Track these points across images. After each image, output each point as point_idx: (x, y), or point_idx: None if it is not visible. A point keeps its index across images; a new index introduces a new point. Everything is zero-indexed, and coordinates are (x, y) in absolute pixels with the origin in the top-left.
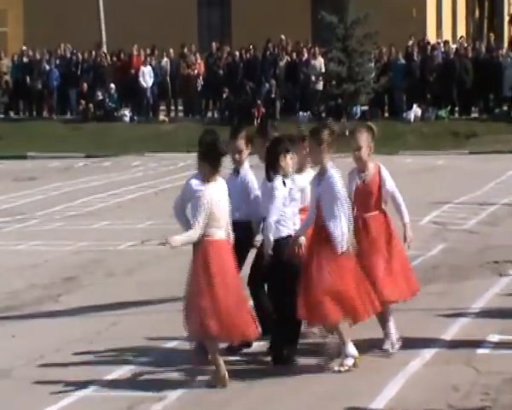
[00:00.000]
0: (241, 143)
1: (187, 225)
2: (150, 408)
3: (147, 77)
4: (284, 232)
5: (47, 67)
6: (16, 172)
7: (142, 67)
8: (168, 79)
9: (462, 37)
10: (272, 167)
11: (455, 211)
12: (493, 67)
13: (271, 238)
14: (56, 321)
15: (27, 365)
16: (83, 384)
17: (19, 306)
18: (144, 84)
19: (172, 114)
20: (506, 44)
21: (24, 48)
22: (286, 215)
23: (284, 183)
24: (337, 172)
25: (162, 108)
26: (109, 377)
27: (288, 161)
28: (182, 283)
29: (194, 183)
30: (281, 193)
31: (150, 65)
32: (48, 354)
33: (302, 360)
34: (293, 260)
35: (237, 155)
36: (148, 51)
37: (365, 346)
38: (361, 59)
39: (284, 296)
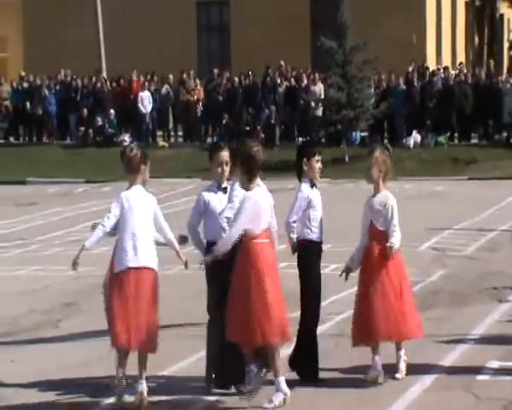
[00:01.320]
0: (226, 154)
1: (201, 246)
2: None
3: (146, 102)
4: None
5: (47, 93)
6: (16, 197)
7: (141, 93)
8: (168, 104)
9: (461, 63)
10: (298, 172)
11: (454, 237)
12: (493, 94)
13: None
14: (56, 346)
15: (26, 390)
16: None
17: (18, 331)
18: (143, 110)
19: (172, 140)
20: (505, 70)
21: (23, 73)
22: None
23: (313, 186)
24: None
25: (159, 133)
26: (107, 403)
27: (314, 164)
28: (183, 308)
29: (206, 195)
30: (304, 195)
31: (149, 90)
32: (47, 379)
33: (297, 385)
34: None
35: (224, 167)
36: (148, 77)
37: (363, 371)
38: (360, 85)
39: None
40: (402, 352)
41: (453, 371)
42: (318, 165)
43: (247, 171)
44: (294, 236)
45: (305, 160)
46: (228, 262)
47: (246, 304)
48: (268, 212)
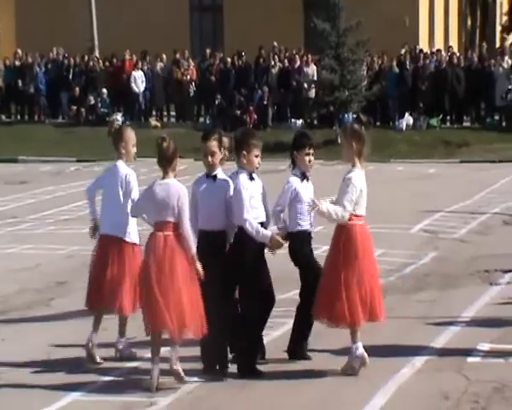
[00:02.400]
0: (214, 144)
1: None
2: None
3: (138, 82)
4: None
5: (39, 71)
6: (8, 175)
7: (134, 72)
8: (160, 84)
9: (450, 46)
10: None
11: (446, 220)
12: (485, 77)
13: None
14: (47, 325)
15: (17, 369)
16: (73, 388)
17: (10, 310)
18: (136, 89)
19: (164, 120)
20: (498, 54)
21: (19, 51)
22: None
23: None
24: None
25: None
26: (99, 381)
27: (304, 158)
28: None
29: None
30: (291, 187)
31: (142, 70)
32: (38, 358)
33: (288, 368)
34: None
35: (210, 158)
36: (141, 56)
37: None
38: (353, 67)
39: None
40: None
41: (444, 353)
42: (308, 158)
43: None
44: (281, 224)
45: (295, 152)
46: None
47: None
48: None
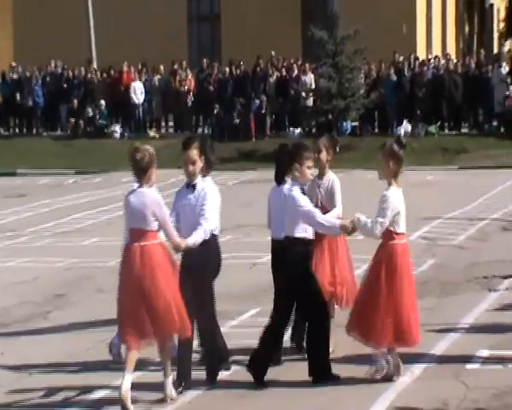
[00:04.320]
0: (194, 153)
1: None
2: None
3: (138, 93)
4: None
5: (37, 84)
6: (6, 188)
7: (133, 83)
8: (159, 95)
9: (448, 54)
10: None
11: (444, 226)
12: (483, 83)
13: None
14: (46, 338)
15: (16, 381)
16: (72, 402)
17: (8, 323)
18: (136, 100)
19: (163, 131)
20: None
21: (14, 64)
22: None
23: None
24: None
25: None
26: (96, 395)
27: (305, 171)
28: None
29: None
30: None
31: (140, 79)
32: (36, 371)
33: (289, 376)
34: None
35: (191, 167)
36: (139, 67)
37: (354, 361)
38: (351, 75)
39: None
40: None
41: (443, 360)
42: (310, 172)
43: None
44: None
45: (296, 165)
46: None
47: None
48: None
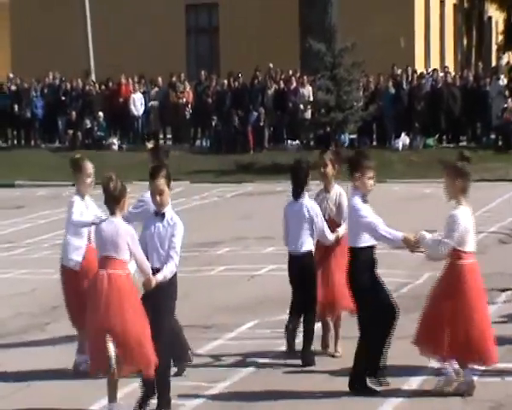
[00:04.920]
0: (162, 182)
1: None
2: None
3: (138, 104)
4: None
5: (35, 95)
6: (4, 200)
7: (133, 95)
8: (157, 107)
9: (446, 67)
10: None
11: None
12: (481, 96)
13: None
14: (43, 350)
15: (13, 393)
16: None
17: (5, 334)
18: (135, 112)
19: (161, 142)
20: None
21: (11, 75)
22: None
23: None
24: None
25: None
26: (95, 407)
27: (366, 181)
28: None
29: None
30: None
31: (140, 92)
32: (34, 382)
33: (287, 386)
34: None
35: (158, 197)
36: (137, 79)
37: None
38: (349, 87)
39: None
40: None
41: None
42: (371, 182)
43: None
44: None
45: (357, 175)
46: None
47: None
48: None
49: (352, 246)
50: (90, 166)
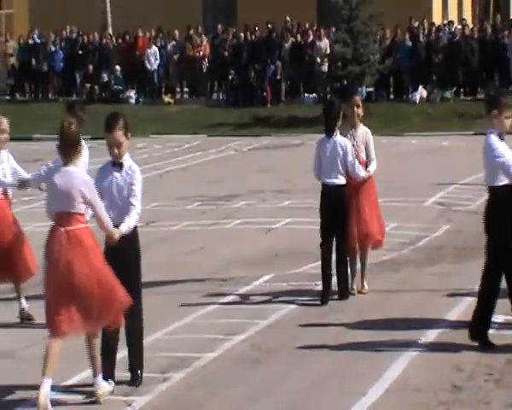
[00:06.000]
0: (120, 134)
1: None
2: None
3: (152, 59)
4: None
5: (53, 49)
6: (22, 153)
7: (148, 50)
8: (174, 60)
9: (464, 19)
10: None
11: (460, 192)
12: (499, 48)
13: None
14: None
15: (31, 346)
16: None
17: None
18: (150, 67)
19: (177, 96)
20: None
21: (36, 30)
22: None
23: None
24: None
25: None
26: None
27: (503, 120)
28: (184, 265)
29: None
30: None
31: (155, 45)
32: None
33: (303, 341)
34: None
35: (116, 149)
36: (154, 33)
37: (367, 327)
38: (366, 40)
39: None
40: None
41: (457, 325)
42: (509, 121)
43: None
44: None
45: (495, 112)
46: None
47: None
48: None
49: (489, 185)
50: (4, 122)
